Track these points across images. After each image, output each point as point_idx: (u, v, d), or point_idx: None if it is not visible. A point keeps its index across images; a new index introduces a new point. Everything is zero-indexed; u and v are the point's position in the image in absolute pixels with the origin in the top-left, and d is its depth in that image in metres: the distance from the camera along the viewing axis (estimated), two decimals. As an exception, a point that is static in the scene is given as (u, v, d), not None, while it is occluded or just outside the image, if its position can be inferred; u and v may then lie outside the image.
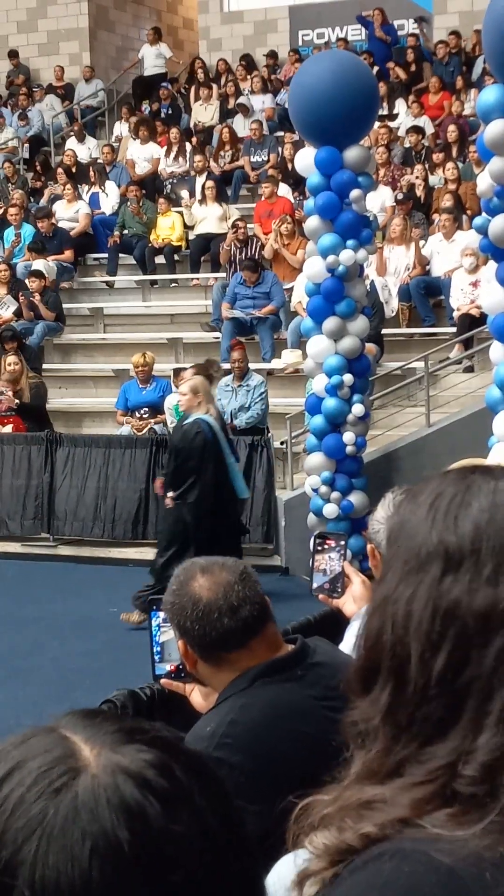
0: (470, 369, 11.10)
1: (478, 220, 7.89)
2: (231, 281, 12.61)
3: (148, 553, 9.26)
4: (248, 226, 13.48)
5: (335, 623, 3.31)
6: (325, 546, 3.02)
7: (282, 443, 10.34)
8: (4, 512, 11.01)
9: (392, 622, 1.04)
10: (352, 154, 8.50)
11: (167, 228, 14.54)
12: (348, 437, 8.90)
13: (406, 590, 1.04)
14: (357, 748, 1.06)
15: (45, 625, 8.48)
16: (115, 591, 8.93)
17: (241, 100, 17.09)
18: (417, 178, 13.46)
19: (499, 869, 0.90)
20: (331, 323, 8.73)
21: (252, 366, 11.01)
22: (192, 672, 2.42)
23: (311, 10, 19.45)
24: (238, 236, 13.10)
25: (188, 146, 16.06)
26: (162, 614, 2.55)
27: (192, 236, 14.42)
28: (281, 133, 16.00)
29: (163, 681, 2.67)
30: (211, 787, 0.81)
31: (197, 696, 2.59)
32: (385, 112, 15.51)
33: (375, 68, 15.79)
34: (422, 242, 12.17)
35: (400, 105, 16.14)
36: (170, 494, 8.17)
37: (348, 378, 8.80)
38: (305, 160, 8.71)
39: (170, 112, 17.97)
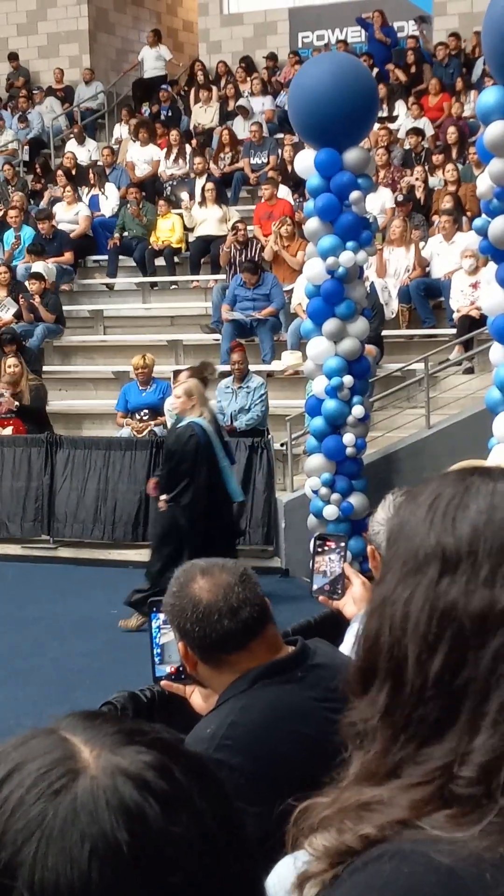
0: (470, 371, 11.10)
1: (477, 222, 7.89)
2: (231, 283, 12.62)
3: (147, 555, 9.26)
4: (248, 228, 13.49)
5: (335, 625, 3.31)
6: (326, 548, 3.02)
7: (282, 444, 10.34)
8: (4, 514, 11.01)
9: (390, 623, 1.04)
10: (351, 156, 8.51)
11: (167, 230, 14.54)
12: (348, 438, 8.90)
13: (404, 591, 1.04)
14: (355, 749, 1.06)
15: (45, 626, 8.48)
16: (115, 592, 8.92)
17: (241, 102, 17.10)
18: (417, 179, 13.46)
19: (499, 869, 0.90)
20: (331, 325, 8.74)
21: (252, 367, 11.02)
22: (192, 674, 2.42)
23: (311, 12, 19.46)
24: (238, 238, 13.10)
25: (188, 148, 16.06)
26: (162, 616, 2.55)
27: (191, 238, 14.43)
28: (281, 135, 16.01)
29: (163, 682, 2.67)
30: (211, 789, 0.81)
31: (197, 698, 2.59)
32: (385, 114, 15.51)
33: (375, 70, 15.81)
34: (422, 244, 12.18)
35: (400, 107, 16.15)
36: (163, 497, 8.19)
37: (348, 380, 8.80)
38: (305, 162, 8.72)
39: (170, 114, 17.99)
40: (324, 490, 8.94)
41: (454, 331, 11.26)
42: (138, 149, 16.28)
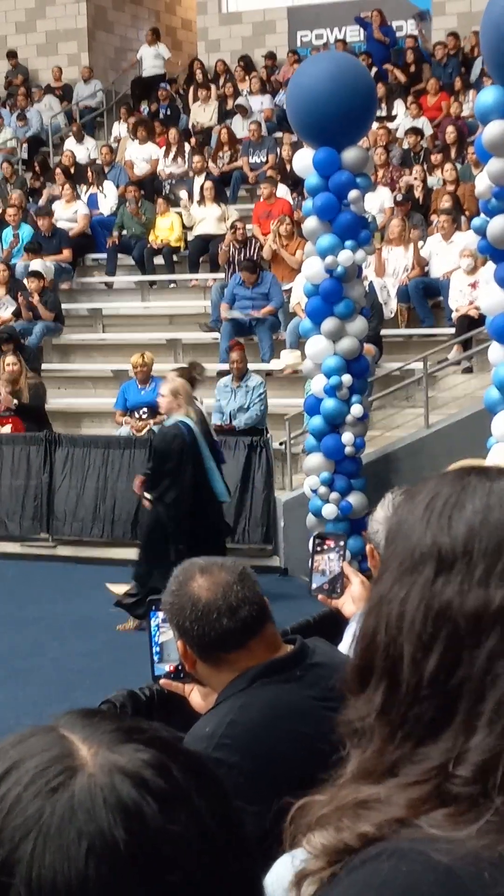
0: (468, 370, 11.10)
1: (476, 222, 7.89)
2: (230, 282, 12.61)
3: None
4: (247, 226, 13.48)
5: (334, 624, 3.32)
6: (325, 547, 3.02)
7: (281, 443, 10.35)
8: (3, 512, 11.01)
9: (386, 622, 1.04)
10: (350, 155, 8.51)
11: (166, 229, 14.54)
12: (347, 437, 8.90)
13: (400, 590, 1.04)
14: (353, 747, 1.06)
15: (44, 625, 8.48)
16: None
17: (240, 101, 17.09)
18: (416, 179, 13.46)
19: (497, 868, 0.90)
20: (329, 324, 8.74)
21: (251, 366, 11.02)
22: (191, 672, 2.42)
23: (310, 11, 19.46)
24: (237, 237, 13.10)
25: (187, 147, 16.06)
26: (161, 614, 2.55)
27: (190, 237, 14.42)
28: (279, 134, 16.00)
29: (162, 681, 2.67)
30: (209, 788, 0.81)
31: (196, 697, 2.59)
32: (384, 113, 15.51)
33: (374, 69, 15.81)
34: (420, 243, 12.17)
35: (398, 106, 16.14)
36: (147, 496, 8.21)
37: (347, 379, 8.80)
38: (304, 161, 8.71)
39: (168, 113, 17.98)
40: (323, 489, 8.94)
41: (453, 330, 11.25)
42: (137, 147, 16.27)
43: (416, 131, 14.60)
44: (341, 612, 2.99)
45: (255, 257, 12.86)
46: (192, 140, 16.34)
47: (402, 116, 15.84)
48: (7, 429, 11.38)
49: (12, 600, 9.21)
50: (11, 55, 20.19)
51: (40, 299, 13.27)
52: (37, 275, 13.33)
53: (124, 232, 14.73)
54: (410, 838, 0.94)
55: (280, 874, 1.20)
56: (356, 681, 1.07)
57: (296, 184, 13.34)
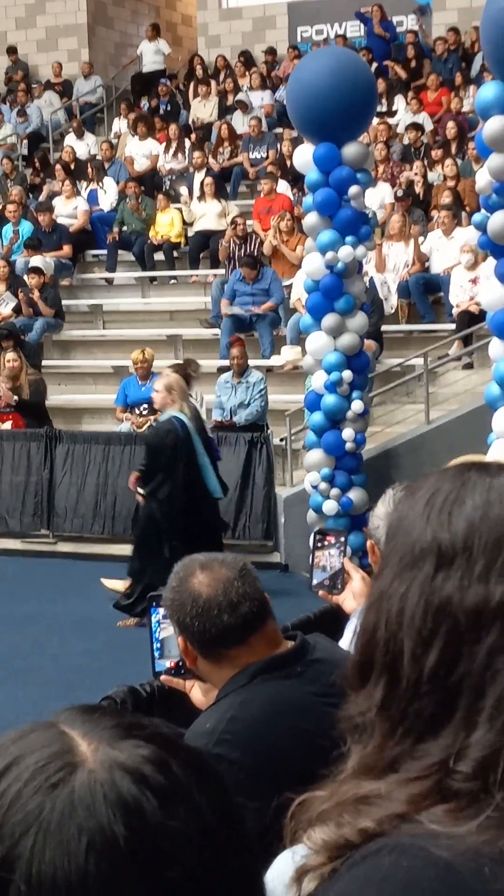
0: (469, 366, 11.10)
1: (477, 217, 7.89)
2: (230, 278, 12.61)
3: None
4: (248, 222, 13.48)
5: (335, 619, 3.31)
6: (325, 543, 3.02)
7: (281, 439, 10.35)
8: (4, 508, 11.01)
9: (386, 618, 1.04)
10: (350, 150, 8.50)
11: (166, 225, 14.53)
12: (348, 433, 8.90)
13: (400, 586, 1.04)
14: (354, 743, 1.06)
15: (45, 624, 8.47)
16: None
17: (240, 96, 17.07)
18: (416, 174, 13.45)
19: (497, 864, 0.90)
20: (330, 319, 8.73)
21: (251, 362, 11.01)
22: (191, 668, 2.43)
23: (310, 6, 19.43)
24: (237, 233, 13.09)
25: (187, 143, 16.05)
26: (162, 610, 2.55)
27: (191, 233, 14.42)
28: (280, 129, 15.99)
29: (163, 677, 2.67)
30: (209, 784, 0.81)
31: (197, 693, 2.59)
32: (384, 108, 15.50)
33: (374, 65, 15.79)
34: (421, 239, 12.17)
35: (399, 101, 16.13)
36: (140, 491, 8.22)
37: (347, 375, 8.80)
38: (304, 157, 8.71)
39: (168, 108, 17.96)
40: (323, 485, 8.94)
41: (453, 326, 11.25)
42: (137, 143, 16.26)
43: (416, 127, 14.59)
44: (342, 608, 2.99)
45: (255, 253, 12.85)
46: (193, 136, 16.32)
47: (403, 112, 15.83)
48: (7, 425, 11.38)
49: (12, 598, 9.21)
50: (11, 51, 20.17)
51: (40, 295, 13.27)
52: (37, 271, 13.32)
53: (124, 228, 14.73)
54: (411, 834, 0.94)
55: (281, 870, 1.20)
56: (356, 676, 1.07)
57: (296, 179, 13.34)
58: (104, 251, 15.08)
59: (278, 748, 2.22)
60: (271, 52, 18.60)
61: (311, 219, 8.78)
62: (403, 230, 12.08)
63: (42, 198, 15.86)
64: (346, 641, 2.80)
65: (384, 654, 1.04)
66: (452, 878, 0.89)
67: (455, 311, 11.25)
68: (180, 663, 2.53)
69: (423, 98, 15.82)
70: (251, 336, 12.14)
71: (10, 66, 20.16)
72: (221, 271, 13.43)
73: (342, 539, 3.04)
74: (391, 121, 15.32)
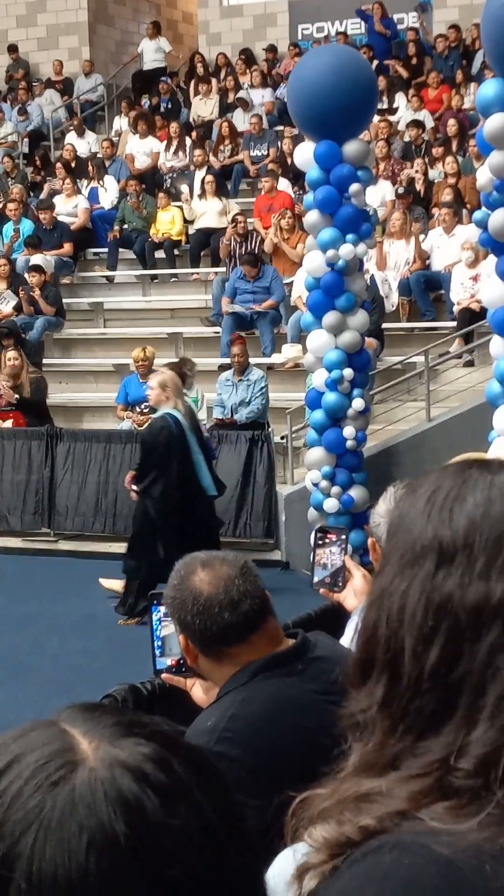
0: (470, 364, 11.10)
1: (477, 215, 7.88)
2: (231, 275, 12.60)
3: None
4: (248, 220, 13.47)
5: (336, 617, 3.31)
6: (326, 540, 3.02)
7: (282, 437, 10.35)
8: (5, 507, 11.01)
9: (387, 615, 1.04)
10: (351, 148, 8.50)
11: (167, 223, 14.53)
12: (348, 431, 8.90)
13: (401, 583, 1.04)
14: (355, 740, 1.06)
15: (45, 623, 8.45)
16: (115, 586, 8.91)
17: (241, 94, 17.06)
18: (417, 172, 13.45)
19: (498, 861, 0.90)
20: (331, 317, 8.73)
21: (252, 360, 11.01)
22: (192, 666, 2.43)
23: (311, 4, 19.42)
24: (238, 231, 13.09)
25: (188, 140, 16.04)
26: (163, 609, 2.55)
27: (191, 231, 14.41)
28: (281, 127, 15.98)
29: (164, 675, 2.67)
30: (210, 782, 0.81)
31: (198, 691, 2.59)
32: (385, 106, 15.49)
33: (375, 62, 15.78)
34: (422, 237, 12.16)
35: (400, 99, 16.13)
36: (133, 487, 8.22)
37: (348, 372, 8.80)
38: (305, 154, 8.70)
39: (169, 106, 17.95)
40: (324, 483, 8.94)
41: (454, 323, 11.25)
42: (138, 141, 16.25)
43: (417, 124, 14.58)
44: (343, 605, 2.99)
45: (256, 251, 12.85)
46: (193, 134, 16.31)
47: (404, 109, 15.82)
48: (8, 423, 11.38)
49: (13, 597, 9.20)
50: (12, 49, 20.16)
51: (41, 294, 13.27)
52: (38, 269, 13.32)
53: (125, 226, 14.72)
54: (412, 831, 0.94)
55: (282, 868, 1.20)
56: (357, 674, 1.07)
57: (297, 177, 13.33)
58: (105, 249, 15.07)
59: (279, 746, 2.22)
60: (272, 49, 18.59)
61: (311, 216, 8.78)
62: (404, 228, 12.08)
63: (43, 196, 15.86)
64: (347, 639, 2.80)
65: (385, 652, 1.04)
66: (453, 875, 0.89)
67: (456, 308, 11.25)
68: (181, 661, 2.53)
69: (424, 95, 15.80)
70: (252, 334, 12.14)
71: (10, 64, 20.15)
72: (222, 269, 13.43)
73: (343, 537, 3.04)
74: (392, 118, 15.31)
